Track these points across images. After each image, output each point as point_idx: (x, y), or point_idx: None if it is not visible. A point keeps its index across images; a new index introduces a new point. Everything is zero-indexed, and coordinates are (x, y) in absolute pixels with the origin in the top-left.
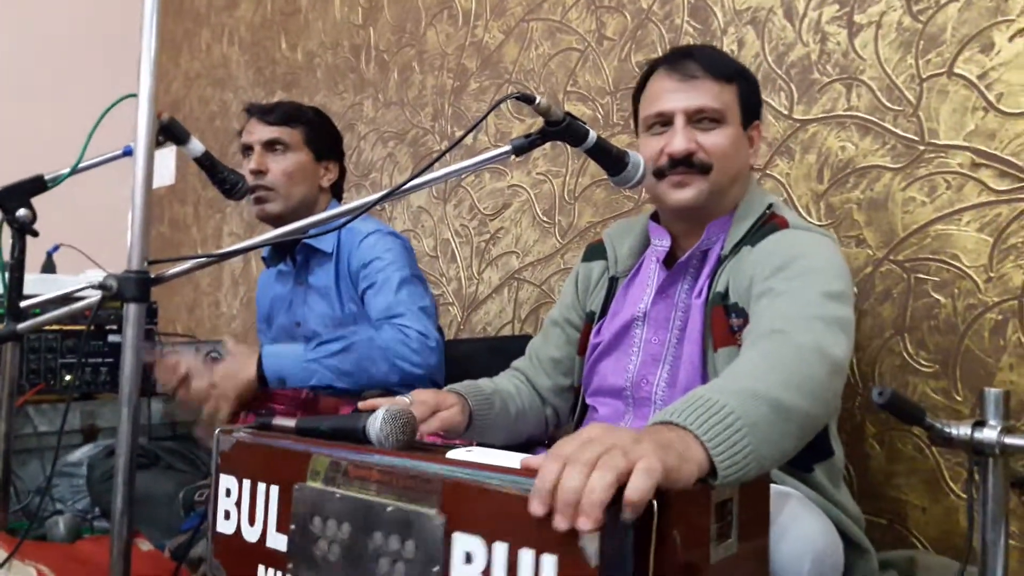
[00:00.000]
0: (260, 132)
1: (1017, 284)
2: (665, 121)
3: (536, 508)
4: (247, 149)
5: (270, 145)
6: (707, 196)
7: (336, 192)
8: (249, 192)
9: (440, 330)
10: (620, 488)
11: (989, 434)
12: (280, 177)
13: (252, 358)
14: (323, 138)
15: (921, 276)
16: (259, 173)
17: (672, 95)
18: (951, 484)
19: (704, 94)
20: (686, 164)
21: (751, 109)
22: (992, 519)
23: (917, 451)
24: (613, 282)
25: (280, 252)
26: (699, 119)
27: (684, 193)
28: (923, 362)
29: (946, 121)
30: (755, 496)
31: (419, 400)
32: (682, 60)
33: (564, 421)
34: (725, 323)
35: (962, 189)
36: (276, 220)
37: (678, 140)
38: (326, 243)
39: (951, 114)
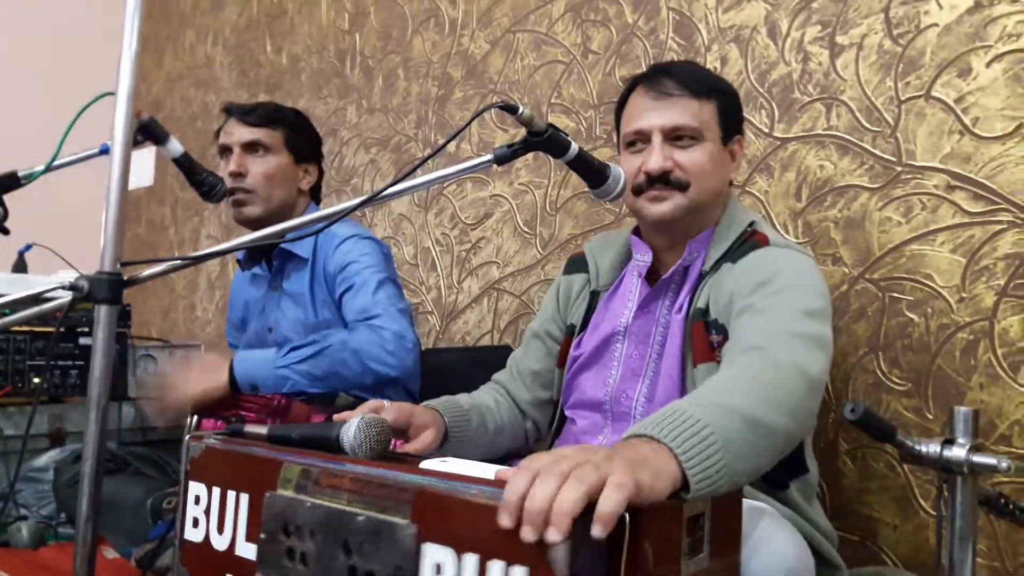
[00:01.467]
0: (240, 133)
1: (988, 305)
2: (643, 139)
3: (504, 520)
4: (225, 150)
5: (250, 147)
6: (685, 211)
7: (314, 195)
8: (228, 195)
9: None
10: (592, 503)
11: (958, 452)
12: (260, 180)
13: (224, 362)
14: (303, 140)
15: (896, 295)
16: (238, 176)
17: (649, 113)
18: (921, 501)
19: (680, 112)
20: (663, 182)
21: (731, 124)
22: (960, 536)
23: (889, 468)
24: (594, 295)
25: (256, 255)
26: (676, 136)
27: (661, 207)
28: (896, 380)
29: (923, 143)
30: (727, 511)
31: (392, 409)
32: (660, 77)
33: (543, 434)
34: (705, 339)
35: (937, 210)
36: (255, 223)
37: (654, 158)
38: (303, 248)
39: (928, 136)
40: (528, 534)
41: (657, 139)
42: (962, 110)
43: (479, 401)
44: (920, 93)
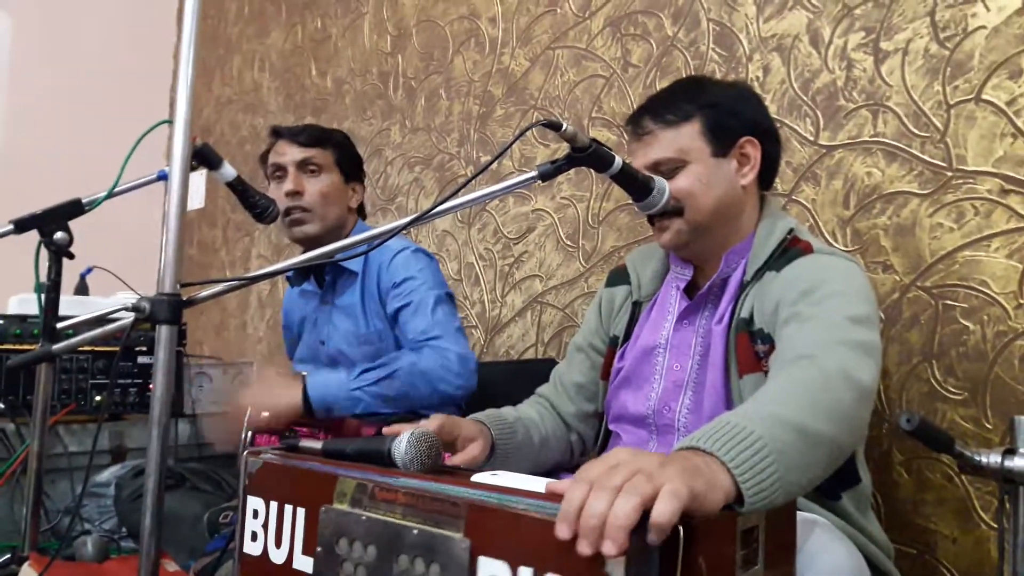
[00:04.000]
0: (293, 153)
1: None
2: None
3: (562, 532)
4: (278, 170)
5: (303, 166)
6: (688, 234)
7: (360, 213)
8: (284, 214)
9: None
10: (646, 513)
11: (1020, 462)
12: (317, 198)
13: (297, 383)
14: (350, 160)
15: (949, 302)
16: (296, 194)
17: (635, 153)
18: (982, 513)
19: (656, 148)
20: (660, 214)
21: (728, 132)
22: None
23: (946, 479)
24: (636, 307)
25: (305, 272)
26: (661, 170)
27: (664, 237)
28: (952, 389)
29: (974, 147)
30: (782, 523)
31: (438, 422)
32: (638, 117)
33: (589, 447)
34: (751, 349)
35: (991, 215)
36: (311, 241)
37: None
38: (354, 263)
39: (979, 140)
40: (584, 547)
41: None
42: (1014, 112)
43: (524, 414)
44: (970, 97)
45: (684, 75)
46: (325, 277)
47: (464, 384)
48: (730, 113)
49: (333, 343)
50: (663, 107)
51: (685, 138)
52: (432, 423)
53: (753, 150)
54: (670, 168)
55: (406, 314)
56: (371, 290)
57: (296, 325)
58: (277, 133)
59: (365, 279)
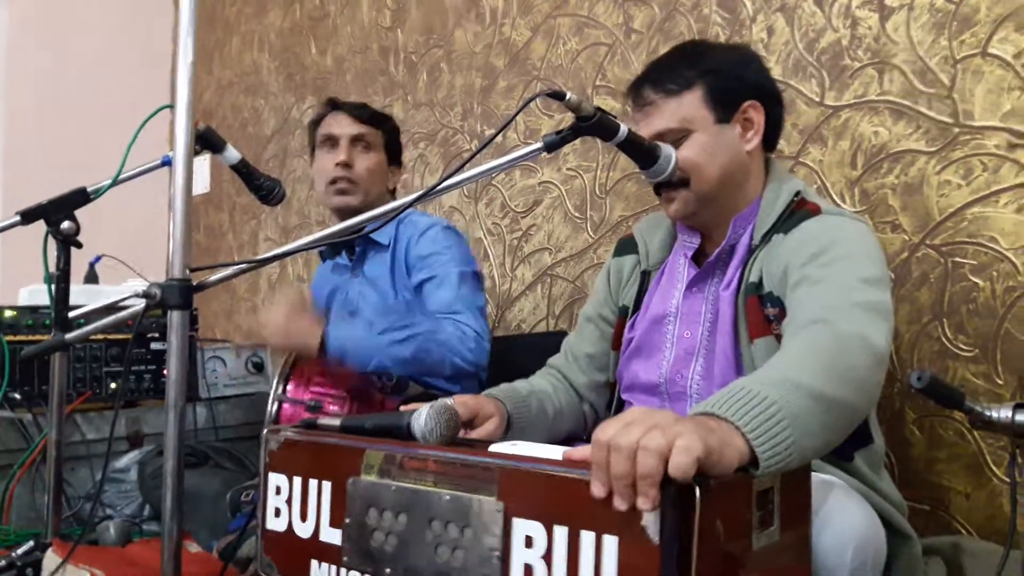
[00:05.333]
0: (349, 127)
1: None
2: None
3: (598, 490)
4: (330, 139)
5: (357, 140)
6: (695, 204)
7: (393, 195)
8: (330, 182)
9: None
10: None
11: None
12: (364, 173)
13: (319, 326)
14: (395, 144)
15: (958, 260)
16: (346, 166)
17: (637, 125)
18: (994, 468)
19: (658, 118)
20: (664, 184)
21: (730, 97)
22: None
23: (958, 436)
24: (645, 276)
25: (337, 246)
26: (665, 141)
27: (671, 208)
28: (962, 346)
29: (981, 102)
30: (796, 485)
31: (459, 402)
32: (638, 88)
33: (601, 417)
34: (760, 313)
35: (999, 171)
36: (351, 213)
37: None
38: (383, 236)
39: (986, 95)
40: (620, 503)
41: None
42: (1021, 66)
43: (537, 387)
44: (976, 51)
45: (687, 40)
46: (355, 249)
47: (475, 361)
48: (732, 77)
49: (363, 315)
50: (664, 76)
51: (688, 107)
52: (459, 400)
53: (756, 114)
54: (674, 139)
55: (430, 287)
56: (400, 262)
57: (324, 299)
58: (335, 105)
59: (395, 252)
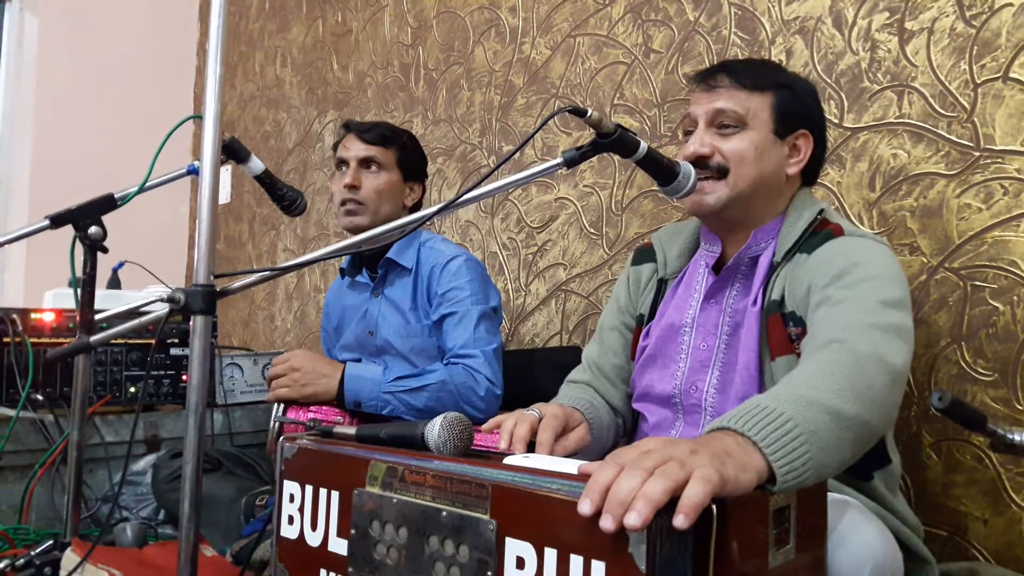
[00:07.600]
0: (357, 149)
1: None
2: (692, 124)
3: (584, 507)
4: (342, 163)
5: (365, 162)
6: (727, 201)
7: (415, 210)
8: (340, 204)
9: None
10: (674, 500)
11: None
12: (371, 194)
13: (337, 372)
14: (412, 160)
15: (978, 283)
16: (353, 188)
17: (697, 103)
18: (1012, 494)
19: (726, 99)
20: (702, 167)
21: (792, 118)
22: None
23: (976, 461)
24: (662, 284)
25: (359, 264)
26: (721, 124)
27: (705, 200)
28: (981, 371)
29: (1002, 126)
30: (813, 503)
31: (550, 414)
32: (713, 72)
33: (628, 430)
34: (783, 331)
35: (1020, 195)
36: (361, 232)
37: (692, 142)
38: (407, 259)
39: (1007, 119)
40: (608, 523)
41: (701, 124)
42: None
43: (591, 401)
44: (997, 75)
45: (706, 60)
46: (378, 270)
47: (486, 409)
48: (799, 101)
49: (382, 334)
50: (743, 70)
51: (756, 104)
52: (548, 410)
53: (806, 143)
54: (730, 123)
55: (450, 323)
56: (422, 288)
57: (335, 315)
58: (348, 127)
59: (417, 276)
